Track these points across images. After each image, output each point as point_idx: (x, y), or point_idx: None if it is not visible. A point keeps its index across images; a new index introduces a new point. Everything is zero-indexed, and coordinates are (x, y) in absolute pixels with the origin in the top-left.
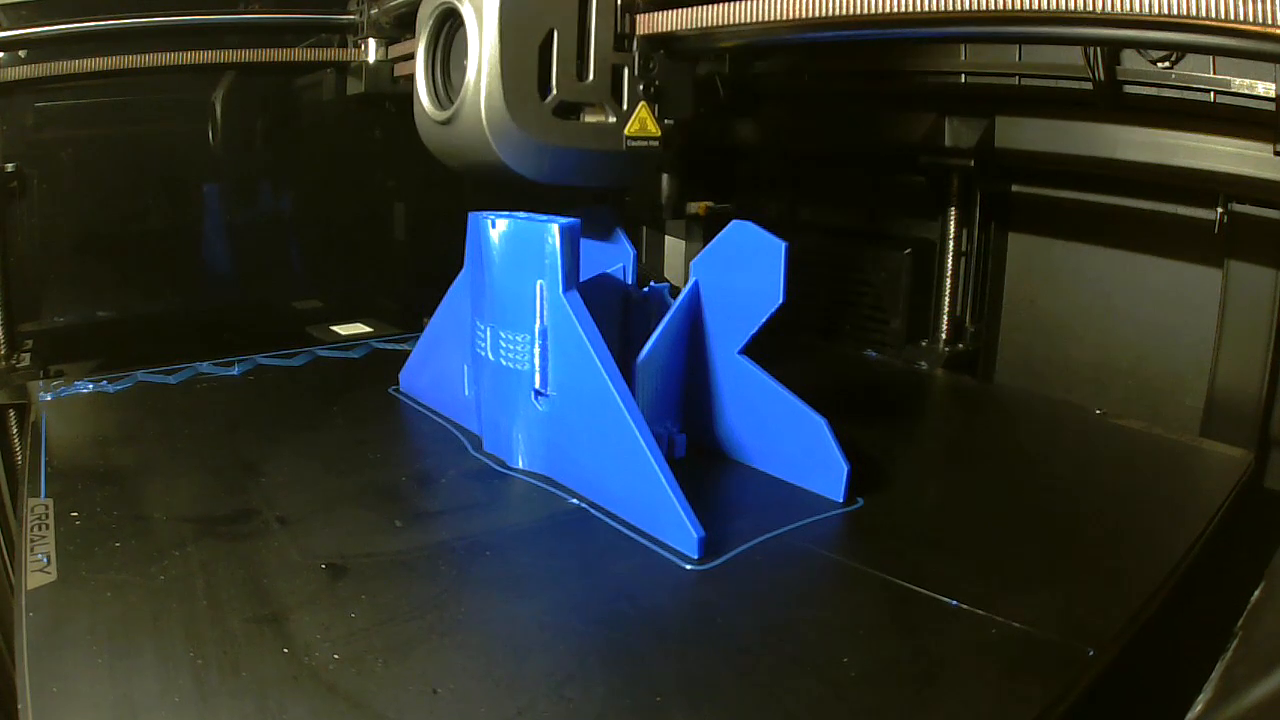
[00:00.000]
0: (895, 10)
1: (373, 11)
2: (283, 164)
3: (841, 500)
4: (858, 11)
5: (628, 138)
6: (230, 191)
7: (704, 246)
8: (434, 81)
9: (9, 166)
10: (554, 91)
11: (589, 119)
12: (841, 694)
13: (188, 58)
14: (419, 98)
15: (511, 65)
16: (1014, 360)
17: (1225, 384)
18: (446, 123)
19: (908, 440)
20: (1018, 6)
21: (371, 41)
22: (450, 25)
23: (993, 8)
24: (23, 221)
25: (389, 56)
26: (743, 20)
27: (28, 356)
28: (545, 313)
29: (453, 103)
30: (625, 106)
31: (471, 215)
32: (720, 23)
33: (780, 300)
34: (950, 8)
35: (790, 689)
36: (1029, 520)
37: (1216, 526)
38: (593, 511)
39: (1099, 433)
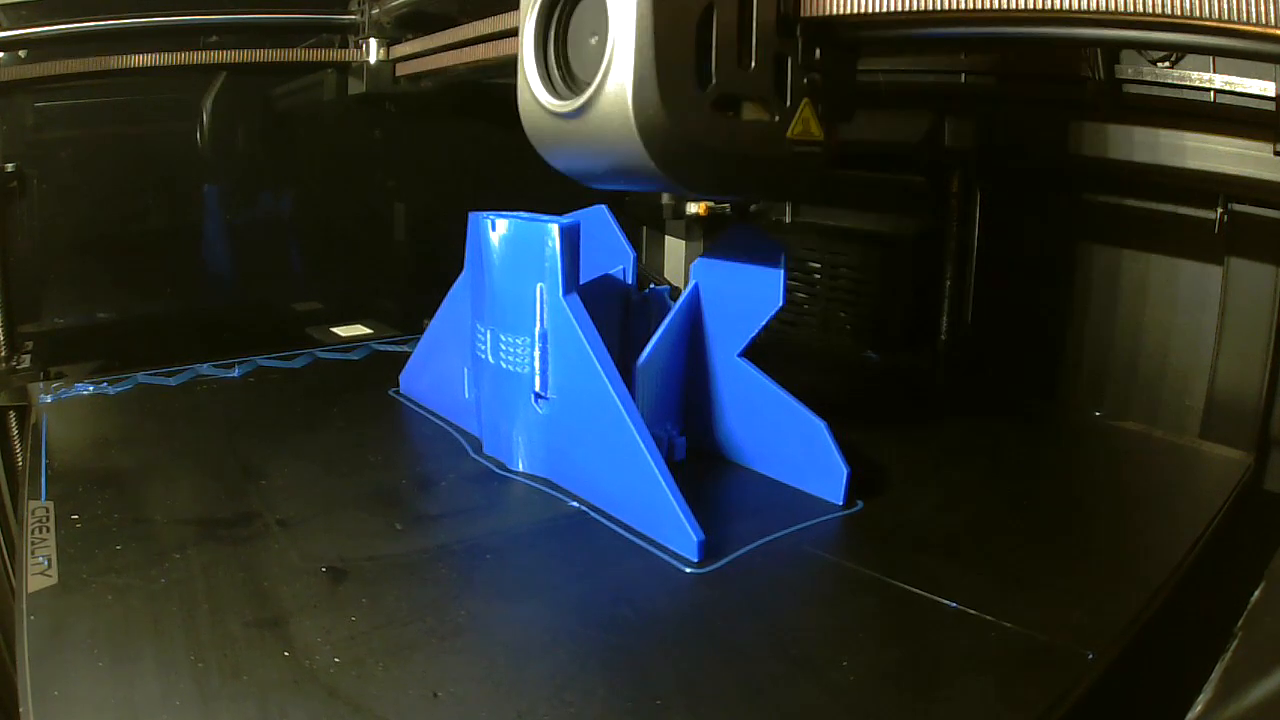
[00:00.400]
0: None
1: (374, 11)
2: (282, 164)
3: (841, 503)
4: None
5: (791, 141)
6: (230, 192)
7: (704, 248)
8: (548, 65)
9: (9, 166)
10: (714, 80)
11: (746, 117)
12: (840, 697)
13: (187, 58)
14: (527, 84)
15: (665, 44)
16: (1014, 360)
17: (1225, 384)
18: (572, 115)
19: (907, 442)
20: (1018, 6)
21: (372, 41)
22: None
23: (992, 8)
24: (23, 221)
25: (390, 56)
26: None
27: (28, 358)
28: (545, 315)
29: (578, 90)
30: (788, 103)
31: (472, 216)
32: (895, 9)
33: (780, 303)
34: (950, 7)
35: (790, 692)
36: (1028, 522)
37: (1216, 529)
38: (592, 514)
39: (1099, 434)
